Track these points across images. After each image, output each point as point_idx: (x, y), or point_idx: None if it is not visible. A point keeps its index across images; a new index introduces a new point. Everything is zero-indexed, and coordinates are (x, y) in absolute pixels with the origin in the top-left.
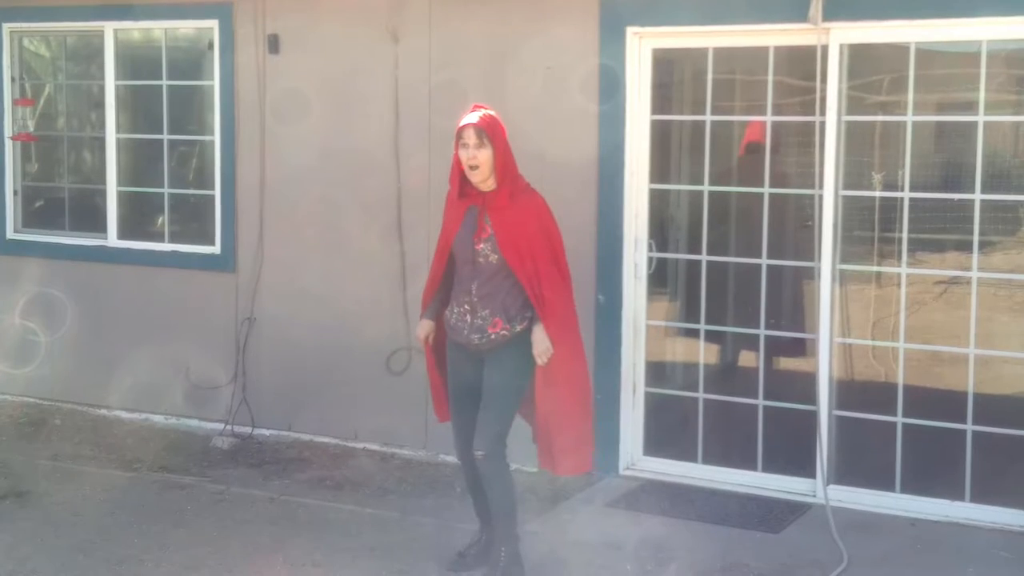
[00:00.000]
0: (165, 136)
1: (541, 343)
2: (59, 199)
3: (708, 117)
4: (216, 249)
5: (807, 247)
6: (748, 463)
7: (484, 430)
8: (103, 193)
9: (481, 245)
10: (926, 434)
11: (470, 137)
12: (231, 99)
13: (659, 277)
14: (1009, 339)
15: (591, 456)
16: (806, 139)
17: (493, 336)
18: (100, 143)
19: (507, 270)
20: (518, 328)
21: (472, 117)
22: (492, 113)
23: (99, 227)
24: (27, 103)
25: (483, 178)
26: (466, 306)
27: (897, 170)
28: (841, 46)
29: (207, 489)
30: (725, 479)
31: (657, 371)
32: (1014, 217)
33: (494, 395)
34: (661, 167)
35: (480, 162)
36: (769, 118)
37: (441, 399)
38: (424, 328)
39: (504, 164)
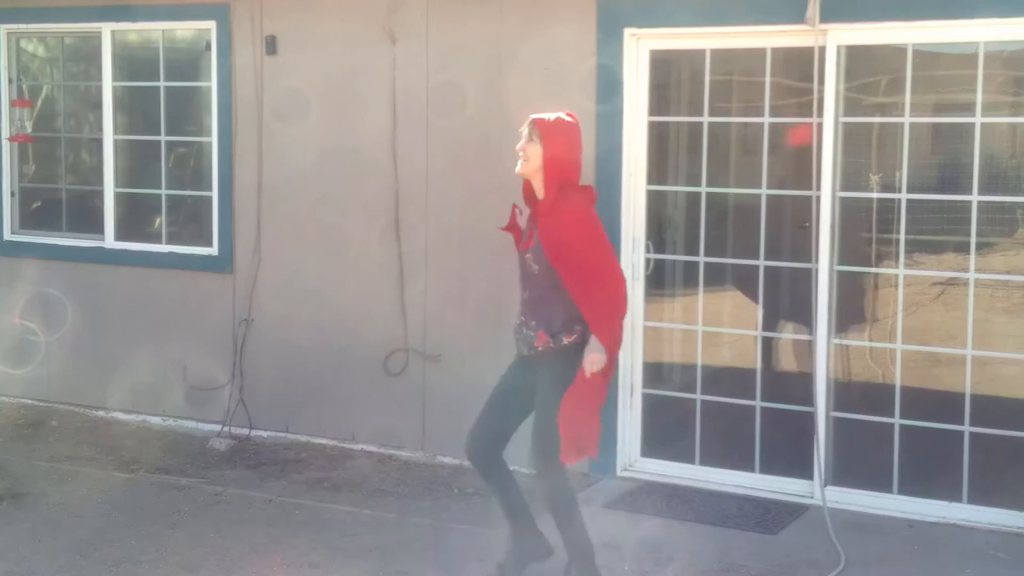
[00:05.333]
0: (163, 137)
1: (592, 352)
2: (56, 200)
3: (705, 118)
4: (213, 250)
5: (804, 248)
6: (746, 464)
7: (541, 446)
8: (100, 194)
9: (528, 254)
10: (923, 435)
11: (523, 129)
12: (228, 100)
13: (656, 278)
14: (1006, 340)
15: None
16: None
17: (540, 348)
18: (97, 144)
19: (552, 280)
20: (564, 341)
21: (540, 114)
22: (568, 120)
23: (96, 228)
24: (24, 104)
25: (528, 171)
26: (521, 316)
27: (895, 171)
28: (838, 47)
29: (204, 490)
30: (723, 480)
31: (655, 372)
32: (1011, 218)
33: (548, 410)
34: (659, 168)
35: (527, 155)
36: (766, 119)
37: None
38: None
39: (551, 170)
